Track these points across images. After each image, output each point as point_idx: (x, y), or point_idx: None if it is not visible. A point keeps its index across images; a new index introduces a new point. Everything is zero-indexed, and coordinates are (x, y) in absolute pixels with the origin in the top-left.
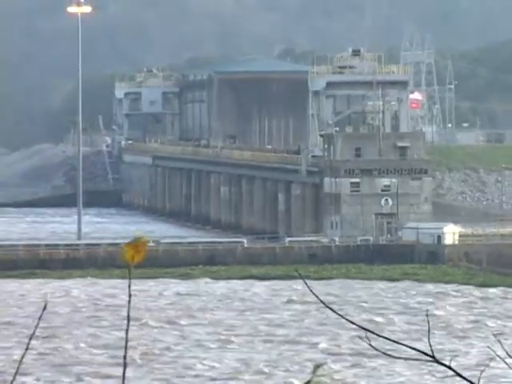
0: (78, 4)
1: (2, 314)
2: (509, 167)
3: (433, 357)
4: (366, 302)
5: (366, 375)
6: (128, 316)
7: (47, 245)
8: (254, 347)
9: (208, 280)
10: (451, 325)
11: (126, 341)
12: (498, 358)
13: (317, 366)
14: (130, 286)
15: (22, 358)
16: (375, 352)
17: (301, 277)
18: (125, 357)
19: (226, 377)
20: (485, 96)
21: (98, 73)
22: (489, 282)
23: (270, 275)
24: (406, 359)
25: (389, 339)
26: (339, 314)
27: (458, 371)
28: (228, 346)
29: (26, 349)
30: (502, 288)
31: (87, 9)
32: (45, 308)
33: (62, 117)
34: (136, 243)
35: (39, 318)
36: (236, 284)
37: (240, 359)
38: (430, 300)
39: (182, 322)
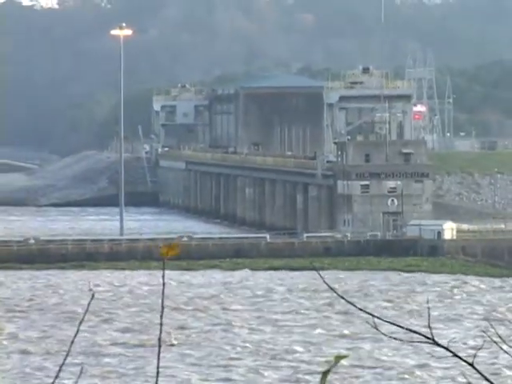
0: (121, 28)
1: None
2: (500, 171)
3: (432, 339)
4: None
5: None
6: (162, 302)
7: (93, 240)
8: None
9: (247, 271)
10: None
11: (161, 324)
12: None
13: (338, 358)
14: (163, 276)
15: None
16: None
17: (315, 269)
18: (159, 338)
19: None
20: (480, 108)
21: (137, 88)
22: (483, 272)
23: (289, 266)
24: (408, 342)
25: (393, 323)
26: (349, 302)
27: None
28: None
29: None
30: (495, 278)
31: (128, 32)
32: (93, 297)
33: (106, 127)
34: (171, 243)
35: (88, 305)
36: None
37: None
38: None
39: (212, 307)
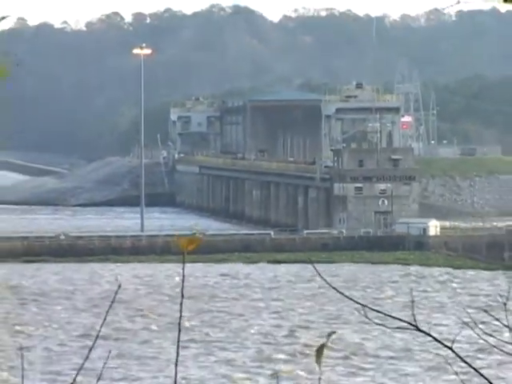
0: (141, 47)
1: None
2: (479, 175)
3: (415, 326)
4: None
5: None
6: (182, 291)
7: (117, 236)
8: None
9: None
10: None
11: (181, 311)
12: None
13: (330, 333)
14: (183, 268)
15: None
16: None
17: (311, 263)
18: (179, 324)
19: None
20: (461, 119)
21: (156, 100)
22: (463, 265)
23: (291, 260)
24: (394, 328)
25: (380, 312)
26: (340, 292)
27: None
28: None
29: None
30: (474, 270)
31: (148, 51)
32: (119, 287)
33: (128, 135)
34: (191, 237)
35: (115, 293)
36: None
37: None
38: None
39: (223, 295)
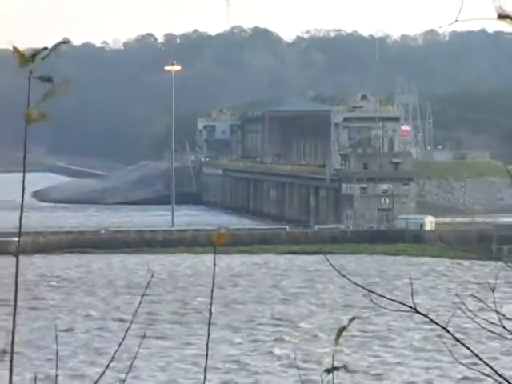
0: (172, 64)
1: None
2: (469, 177)
3: (414, 308)
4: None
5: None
6: (213, 280)
7: (150, 230)
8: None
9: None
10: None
11: (212, 297)
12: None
13: (351, 320)
14: (214, 259)
15: None
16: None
17: (323, 253)
18: (210, 309)
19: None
20: (454, 128)
21: (185, 111)
22: (456, 256)
23: (304, 251)
24: (395, 310)
25: (379, 295)
26: (349, 279)
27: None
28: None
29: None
30: (465, 260)
31: (178, 67)
32: (152, 276)
33: (160, 142)
34: (221, 232)
35: (148, 282)
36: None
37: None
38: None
39: (244, 283)
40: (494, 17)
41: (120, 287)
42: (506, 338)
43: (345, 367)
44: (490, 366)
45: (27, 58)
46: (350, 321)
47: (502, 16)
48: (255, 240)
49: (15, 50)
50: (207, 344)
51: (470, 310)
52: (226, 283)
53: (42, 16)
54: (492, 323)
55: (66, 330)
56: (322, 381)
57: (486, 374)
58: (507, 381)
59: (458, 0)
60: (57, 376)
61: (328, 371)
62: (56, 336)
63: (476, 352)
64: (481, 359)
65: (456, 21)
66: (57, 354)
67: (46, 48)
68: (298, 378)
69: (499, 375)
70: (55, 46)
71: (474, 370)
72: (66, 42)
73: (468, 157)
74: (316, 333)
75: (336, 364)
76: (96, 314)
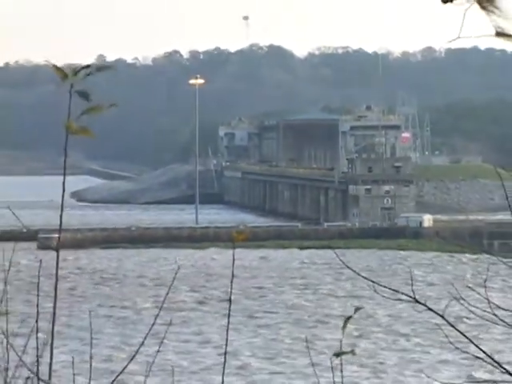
0: (196, 78)
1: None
2: (463, 179)
3: (414, 298)
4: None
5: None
6: (232, 272)
7: (176, 227)
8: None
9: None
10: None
11: (231, 287)
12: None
13: (357, 309)
14: (233, 254)
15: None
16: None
17: (332, 249)
18: (230, 298)
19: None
20: (449, 135)
21: (208, 120)
22: (452, 250)
23: (315, 246)
24: (396, 300)
25: (381, 285)
26: (354, 271)
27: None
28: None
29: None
30: (460, 254)
31: (201, 81)
32: (179, 268)
33: (185, 148)
34: (240, 230)
35: (175, 274)
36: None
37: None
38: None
39: (263, 273)
40: (491, 34)
41: (149, 278)
42: (497, 324)
43: (352, 352)
44: (482, 350)
45: (67, 75)
46: (356, 310)
47: (500, 34)
48: (271, 236)
49: (54, 67)
50: (227, 330)
51: (463, 299)
52: (241, 274)
53: (79, 33)
54: (485, 311)
55: (100, 317)
56: (331, 364)
57: (478, 357)
58: (497, 362)
59: (453, 20)
60: (91, 358)
61: (337, 355)
62: (90, 322)
63: (470, 337)
64: (473, 343)
65: (458, 37)
66: (91, 339)
67: (88, 66)
68: (308, 360)
69: (490, 357)
70: (100, 68)
71: (467, 353)
72: (109, 67)
73: (462, 161)
74: (326, 318)
75: (344, 349)
76: (128, 303)
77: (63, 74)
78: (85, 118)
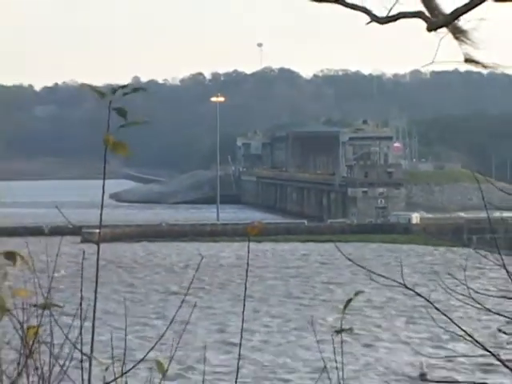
0: (217, 96)
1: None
2: (446, 183)
3: (403, 284)
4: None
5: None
6: (247, 263)
7: (200, 224)
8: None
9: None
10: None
11: (246, 276)
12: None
13: (357, 293)
14: (248, 247)
15: None
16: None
17: (333, 242)
18: (245, 284)
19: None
20: (434, 145)
21: (227, 132)
22: (436, 243)
23: (319, 240)
24: (387, 286)
25: (373, 272)
26: (352, 261)
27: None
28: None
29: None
30: (443, 247)
31: (222, 99)
32: (202, 259)
33: (208, 156)
34: (254, 225)
35: (198, 265)
36: (299, 245)
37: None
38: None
39: (277, 265)
40: (461, 60)
41: (177, 267)
42: (474, 307)
43: (351, 329)
44: (457, 325)
45: (104, 95)
46: (356, 294)
47: (469, 60)
48: (281, 231)
49: (91, 89)
50: (243, 312)
51: (447, 286)
52: (255, 265)
53: (118, 57)
54: (463, 295)
55: (136, 302)
56: (332, 340)
57: (458, 335)
58: (473, 338)
59: (436, 47)
60: (126, 336)
61: (337, 332)
62: (125, 307)
63: (451, 318)
64: (454, 323)
65: (432, 62)
66: (125, 320)
67: (124, 86)
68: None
69: (468, 334)
70: (136, 89)
71: (450, 332)
72: (143, 89)
73: (445, 167)
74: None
75: (344, 327)
76: (159, 287)
77: (100, 94)
78: (123, 130)
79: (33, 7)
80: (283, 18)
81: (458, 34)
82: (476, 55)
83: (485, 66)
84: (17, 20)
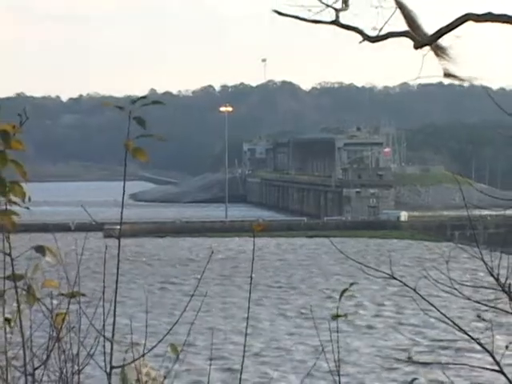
0: (225, 106)
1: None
2: (432, 184)
3: (391, 275)
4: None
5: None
6: (253, 257)
7: (210, 221)
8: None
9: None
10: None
11: (252, 269)
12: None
13: (351, 284)
14: (254, 242)
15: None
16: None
17: (329, 237)
18: (251, 277)
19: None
20: (420, 150)
21: (235, 138)
22: (422, 238)
23: (317, 235)
24: (377, 277)
25: (365, 265)
26: (345, 254)
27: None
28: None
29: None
30: (428, 242)
31: (230, 109)
32: (212, 252)
33: (217, 160)
34: (259, 223)
35: (209, 257)
36: (300, 239)
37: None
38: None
39: (279, 257)
40: (441, 75)
41: (189, 260)
42: (454, 295)
43: (345, 316)
44: (441, 312)
45: (123, 108)
46: (351, 285)
47: (447, 75)
48: (283, 228)
49: (111, 105)
50: (249, 300)
51: (431, 276)
52: (258, 259)
53: (136, 71)
54: (444, 284)
55: (152, 292)
56: (329, 326)
57: (436, 318)
58: (457, 325)
59: (422, 63)
60: (147, 326)
61: (333, 318)
62: (146, 297)
63: (436, 306)
64: (439, 311)
65: (418, 77)
66: (146, 310)
67: (143, 97)
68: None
69: (452, 321)
70: (155, 102)
71: (431, 316)
72: (162, 103)
73: (430, 170)
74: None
75: (340, 313)
76: (174, 279)
77: (120, 108)
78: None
79: (60, 31)
80: (285, 36)
81: (438, 50)
82: (454, 70)
83: (461, 80)
84: (45, 38)
